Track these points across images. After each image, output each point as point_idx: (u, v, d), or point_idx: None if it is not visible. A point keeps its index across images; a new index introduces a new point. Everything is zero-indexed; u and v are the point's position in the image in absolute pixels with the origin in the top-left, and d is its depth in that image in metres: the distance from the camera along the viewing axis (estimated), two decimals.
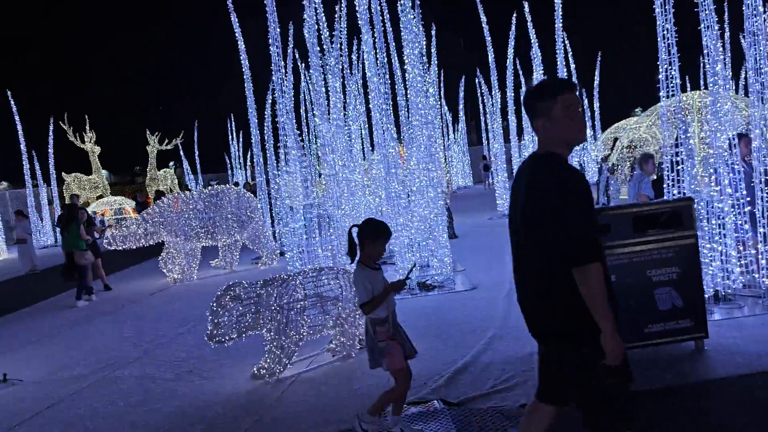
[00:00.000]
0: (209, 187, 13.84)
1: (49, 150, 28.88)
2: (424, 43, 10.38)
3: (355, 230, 4.51)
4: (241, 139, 37.83)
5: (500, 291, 8.92)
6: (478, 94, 36.05)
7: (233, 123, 36.51)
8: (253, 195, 14.50)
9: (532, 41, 16.60)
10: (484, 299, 8.54)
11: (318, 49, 9.34)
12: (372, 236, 4.39)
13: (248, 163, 38.43)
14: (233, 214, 13.36)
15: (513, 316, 7.46)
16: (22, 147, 27.14)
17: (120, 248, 12.41)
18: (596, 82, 30.66)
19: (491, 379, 5.43)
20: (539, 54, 16.52)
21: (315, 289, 6.31)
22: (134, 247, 12.66)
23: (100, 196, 36.43)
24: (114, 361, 7.42)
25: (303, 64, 15.09)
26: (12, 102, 26.08)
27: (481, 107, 37.15)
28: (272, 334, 6.02)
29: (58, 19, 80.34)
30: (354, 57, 12.97)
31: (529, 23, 16.64)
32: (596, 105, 31.38)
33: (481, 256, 12.02)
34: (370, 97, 10.78)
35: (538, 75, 16.59)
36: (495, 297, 8.59)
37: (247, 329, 5.93)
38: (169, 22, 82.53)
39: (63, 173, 34.77)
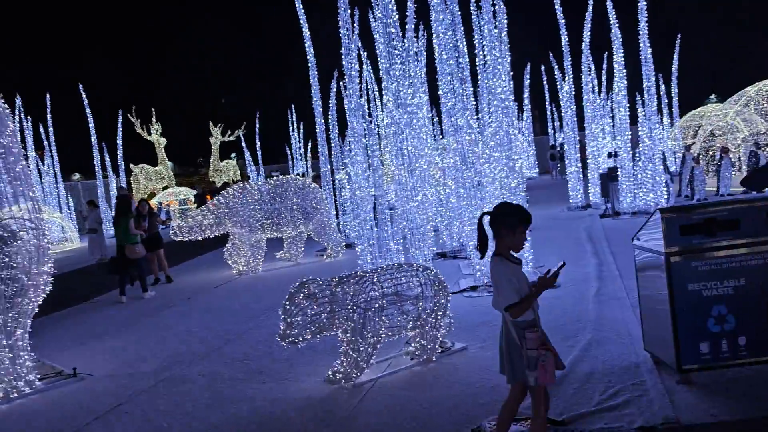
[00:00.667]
0: (273, 178, 13.56)
1: (118, 142, 29.66)
2: (505, 22, 9.63)
3: (486, 219, 3.86)
4: (302, 130, 37.81)
5: (586, 289, 8.23)
6: (544, 81, 34.85)
7: (294, 114, 36.49)
8: (317, 186, 14.15)
9: (612, 21, 15.55)
10: (571, 299, 7.86)
11: (392, 30, 8.80)
12: (510, 223, 3.70)
13: (309, 154, 38.37)
14: (298, 205, 13.05)
15: (608, 318, 6.78)
16: (93, 139, 27.87)
17: (186, 239, 12.29)
18: (674, 66, 28.86)
19: (596, 393, 4.81)
20: (619, 35, 15.47)
21: (393, 287, 5.80)
22: (200, 238, 12.53)
23: (166, 187, 37.23)
24: (182, 358, 7.15)
25: (366, 53, 14.64)
26: (83, 95, 26.73)
27: (547, 95, 35.90)
28: (348, 335, 5.56)
29: (125, 13, 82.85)
30: (421, 42, 12.37)
31: (608, 2, 15.60)
32: (674, 91, 29.58)
33: (557, 251, 11.28)
34: (439, 83, 10.20)
35: (618, 58, 15.57)
36: (582, 296, 7.91)
37: (322, 330, 5.49)
38: (232, 12, 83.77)
39: (131, 164, 35.67)
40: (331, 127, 16.00)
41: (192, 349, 7.54)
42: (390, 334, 5.78)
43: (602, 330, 6.39)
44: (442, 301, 6.03)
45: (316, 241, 14.03)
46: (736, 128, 18.86)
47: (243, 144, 40.01)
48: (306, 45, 14.62)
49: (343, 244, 14.04)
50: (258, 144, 40.06)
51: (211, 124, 42.57)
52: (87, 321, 10.00)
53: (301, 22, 14.26)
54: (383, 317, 5.66)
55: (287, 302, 5.50)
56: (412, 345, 6.13)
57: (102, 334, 8.87)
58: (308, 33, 14.49)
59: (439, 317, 6.01)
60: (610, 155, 16.81)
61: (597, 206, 17.70)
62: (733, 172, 17.93)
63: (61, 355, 7.75)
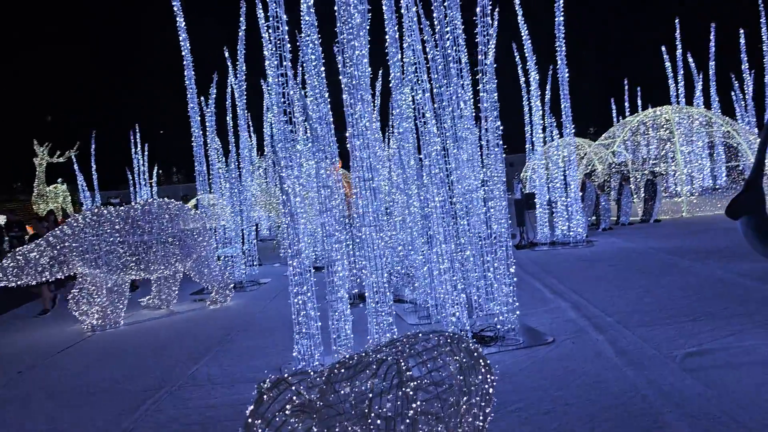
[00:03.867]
0: (124, 204, 10.50)
1: None
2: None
3: None
4: (146, 152, 33.42)
5: (585, 345, 6.37)
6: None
7: (138, 134, 32.14)
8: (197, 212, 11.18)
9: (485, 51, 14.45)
10: (573, 361, 5.92)
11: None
12: None
13: (153, 179, 34.10)
14: (175, 237, 10.03)
15: (673, 390, 4.89)
16: None
17: (13, 285, 8.78)
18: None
19: None
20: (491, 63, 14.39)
21: (430, 379, 3.43)
22: (34, 282, 9.07)
23: None
24: None
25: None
26: None
27: None
28: None
29: None
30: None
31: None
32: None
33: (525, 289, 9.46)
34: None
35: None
36: (584, 356, 6.01)
37: None
38: (65, 16, 75.15)
39: None
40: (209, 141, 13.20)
41: None
42: None
43: (693, 413, 4.49)
44: (491, 390, 3.78)
45: (197, 282, 11.03)
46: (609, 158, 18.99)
47: (76, 166, 34.63)
48: (183, 52, 12.07)
49: (231, 285, 11.16)
50: (94, 167, 34.89)
51: (36, 143, 36.45)
52: None
53: (179, 23, 11.66)
54: None
55: (253, 420, 2.92)
56: None
57: None
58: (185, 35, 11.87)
59: (486, 414, 3.74)
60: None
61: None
62: (633, 200, 17.73)
63: None
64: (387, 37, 7.67)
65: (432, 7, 7.36)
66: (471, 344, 3.84)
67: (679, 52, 27.95)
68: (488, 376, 3.79)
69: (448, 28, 7.36)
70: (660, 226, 16.33)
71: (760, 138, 9.93)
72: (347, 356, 3.44)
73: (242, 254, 13.55)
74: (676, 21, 27.61)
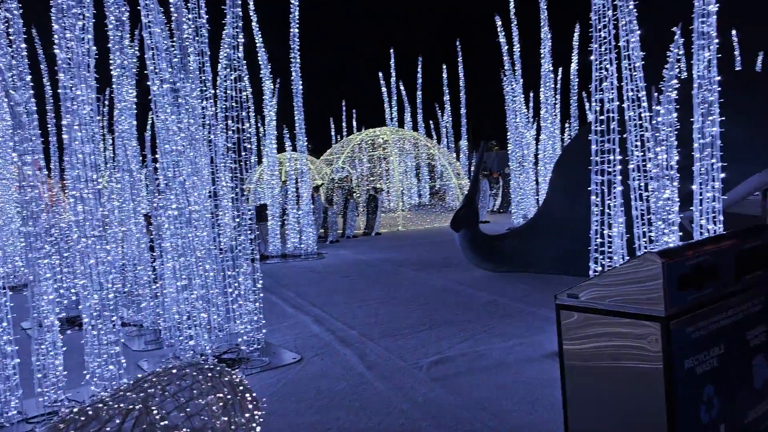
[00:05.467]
0: None
1: None
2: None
3: None
4: None
5: (334, 361, 6.18)
6: None
7: None
8: None
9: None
10: (325, 380, 5.68)
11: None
12: None
13: None
14: None
15: (435, 406, 4.90)
16: None
17: None
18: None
19: None
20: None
21: (190, 426, 2.73)
22: None
23: None
24: None
25: None
26: None
27: None
28: None
29: None
30: None
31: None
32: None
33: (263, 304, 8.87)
34: None
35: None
36: (335, 374, 5.83)
37: None
38: None
39: None
40: None
41: None
42: None
43: (448, 423, 4.50)
44: (258, 429, 3.21)
45: None
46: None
47: None
48: None
49: None
50: None
51: None
52: None
53: None
54: None
55: None
56: None
57: None
58: None
59: None
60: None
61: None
62: (357, 214, 18.51)
63: None
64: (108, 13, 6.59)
65: None
66: (235, 377, 3.23)
67: (393, 79, 30.56)
68: (255, 412, 3.22)
69: (190, 16, 6.57)
70: (381, 239, 17.35)
71: (476, 161, 11.09)
72: (77, 407, 2.56)
73: None
74: (391, 51, 30.18)
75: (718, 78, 5.66)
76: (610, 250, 5.97)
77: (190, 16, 6.57)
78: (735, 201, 8.85)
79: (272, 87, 14.79)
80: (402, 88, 30.42)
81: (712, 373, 3.40)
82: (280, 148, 16.89)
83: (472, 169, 21.11)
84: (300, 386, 5.52)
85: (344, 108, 35.49)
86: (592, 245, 6.09)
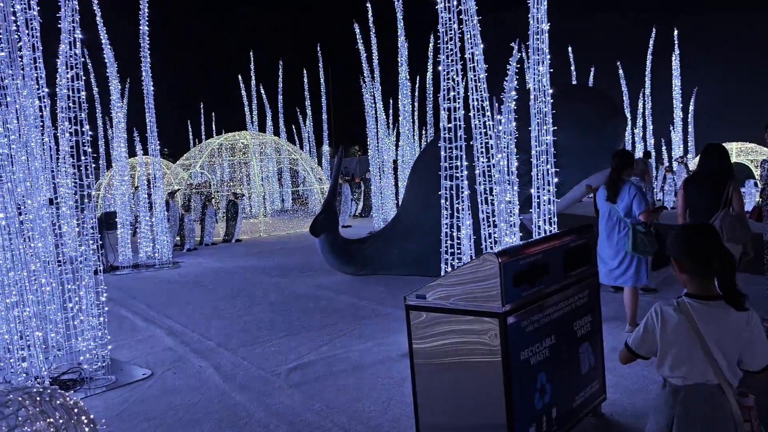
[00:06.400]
0: None
1: None
2: None
3: None
4: None
5: (188, 374, 5.96)
6: None
7: None
8: None
9: None
10: (177, 395, 5.46)
11: None
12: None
13: None
14: None
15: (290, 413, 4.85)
16: None
17: None
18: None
19: None
20: None
21: None
22: None
23: None
24: None
25: None
26: None
27: None
28: None
29: None
30: None
31: None
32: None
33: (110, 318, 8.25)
34: None
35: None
36: (189, 387, 5.63)
37: None
38: None
39: None
40: None
41: None
42: None
43: (305, 430, 4.48)
44: None
45: None
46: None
47: None
48: None
49: None
50: None
51: None
52: None
53: None
54: None
55: None
56: None
57: None
58: None
59: None
60: None
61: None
62: (216, 220, 17.90)
63: None
64: None
65: None
66: (69, 399, 2.99)
67: (253, 83, 30.01)
68: None
69: (18, 7, 6.00)
70: (242, 246, 16.93)
71: (335, 166, 11.18)
72: None
73: None
74: (251, 53, 29.60)
75: (551, 90, 6.18)
76: (459, 251, 6.28)
77: (18, 6, 5.99)
78: (568, 204, 9.72)
79: (119, 87, 13.92)
80: (263, 92, 29.96)
81: (545, 362, 3.68)
82: (132, 152, 15.98)
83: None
84: (150, 403, 5.24)
85: (202, 111, 34.27)
86: (443, 247, 6.38)
